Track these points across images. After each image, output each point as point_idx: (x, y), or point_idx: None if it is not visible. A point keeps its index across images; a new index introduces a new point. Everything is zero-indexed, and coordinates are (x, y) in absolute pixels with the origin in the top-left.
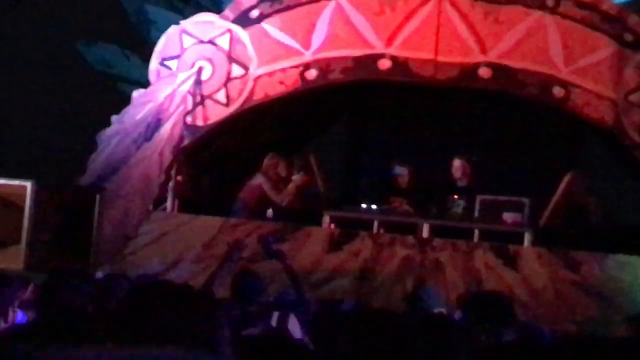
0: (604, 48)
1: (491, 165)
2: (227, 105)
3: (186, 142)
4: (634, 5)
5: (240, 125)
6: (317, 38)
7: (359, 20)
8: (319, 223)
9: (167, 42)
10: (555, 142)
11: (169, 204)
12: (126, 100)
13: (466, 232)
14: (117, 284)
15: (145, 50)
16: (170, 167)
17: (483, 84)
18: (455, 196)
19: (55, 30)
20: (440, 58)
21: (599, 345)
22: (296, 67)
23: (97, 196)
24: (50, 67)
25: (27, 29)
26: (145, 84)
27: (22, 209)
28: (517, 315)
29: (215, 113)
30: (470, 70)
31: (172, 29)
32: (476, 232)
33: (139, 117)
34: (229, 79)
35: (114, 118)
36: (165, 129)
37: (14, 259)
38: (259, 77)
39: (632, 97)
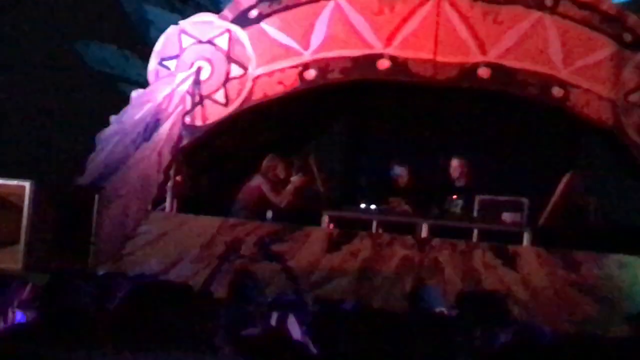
0: (603, 48)
1: (490, 165)
2: (225, 105)
3: (185, 142)
4: (634, 5)
5: (239, 125)
6: (316, 38)
7: (358, 21)
8: (318, 223)
9: (166, 42)
10: (555, 142)
11: (167, 204)
12: (125, 100)
13: (465, 232)
14: (117, 283)
15: (144, 50)
16: (169, 167)
17: (482, 84)
18: (454, 196)
19: (54, 30)
20: (440, 58)
21: (598, 345)
22: (295, 67)
23: (96, 196)
24: (49, 67)
25: (25, 28)
26: (144, 84)
27: (20, 209)
28: (513, 314)
29: (214, 113)
30: (469, 71)
31: (171, 29)
32: (475, 232)
33: (137, 117)
34: (227, 79)
35: (112, 118)
36: (164, 129)
37: (12, 259)
38: (257, 77)
39: (632, 97)
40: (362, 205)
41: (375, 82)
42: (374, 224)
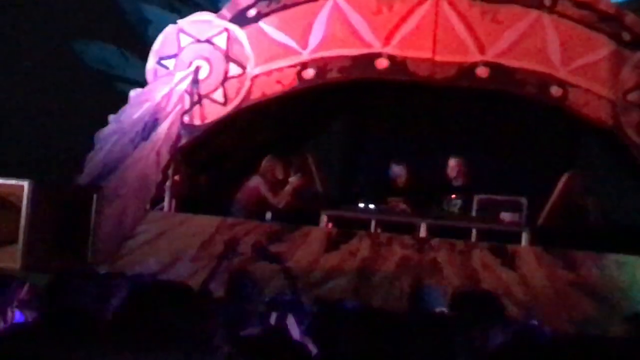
0: (602, 47)
1: (489, 164)
2: (224, 104)
3: (183, 141)
4: (632, 4)
5: (238, 124)
6: (315, 37)
7: (357, 20)
8: (316, 223)
9: (164, 41)
10: (553, 141)
11: (166, 203)
12: (124, 100)
13: (464, 231)
14: (117, 283)
15: (143, 50)
16: (167, 167)
17: (481, 83)
18: (453, 196)
19: (53, 29)
20: (438, 57)
21: (597, 345)
22: (293, 66)
23: (95, 195)
24: (48, 67)
25: (24, 28)
26: (142, 83)
27: (19, 209)
28: (509, 313)
29: (213, 112)
30: (467, 70)
31: (170, 28)
32: (474, 231)
33: (136, 116)
34: (226, 78)
35: (111, 117)
36: (163, 128)
37: (11, 259)
38: (256, 76)
39: (631, 97)
40: (361, 205)
41: (374, 82)
42: (373, 223)
